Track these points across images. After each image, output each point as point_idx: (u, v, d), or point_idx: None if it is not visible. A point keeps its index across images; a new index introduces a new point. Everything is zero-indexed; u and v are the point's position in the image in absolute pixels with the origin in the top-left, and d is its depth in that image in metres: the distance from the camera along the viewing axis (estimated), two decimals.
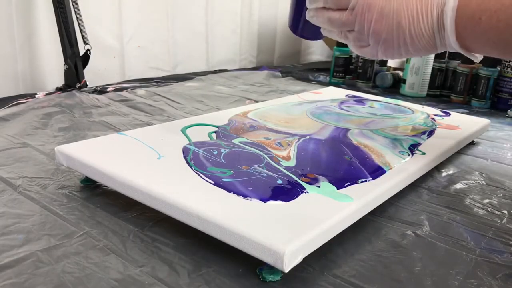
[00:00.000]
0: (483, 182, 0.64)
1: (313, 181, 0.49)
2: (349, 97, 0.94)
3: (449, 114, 0.86)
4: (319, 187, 0.48)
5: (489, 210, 0.56)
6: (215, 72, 1.34)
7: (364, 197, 0.47)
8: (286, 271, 0.37)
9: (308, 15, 0.52)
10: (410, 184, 0.58)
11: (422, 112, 0.85)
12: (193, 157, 0.53)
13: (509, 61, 1.06)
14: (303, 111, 0.79)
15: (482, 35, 0.43)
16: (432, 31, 0.45)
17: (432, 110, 0.88)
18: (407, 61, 1.19)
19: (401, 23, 0.46)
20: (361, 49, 0.50)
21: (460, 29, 0.44)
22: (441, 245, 0.47)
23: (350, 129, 0.70)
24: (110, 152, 0.54)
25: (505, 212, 0.55)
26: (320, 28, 0.52)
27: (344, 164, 0.55)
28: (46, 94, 0.94)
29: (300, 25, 0.55)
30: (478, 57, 0.48)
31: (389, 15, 0.46)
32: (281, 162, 0.54)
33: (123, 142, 0.57)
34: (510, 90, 1.08)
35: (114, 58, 1.15)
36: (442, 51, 0.48)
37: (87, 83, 1.00)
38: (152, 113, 0.88)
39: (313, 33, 0.54)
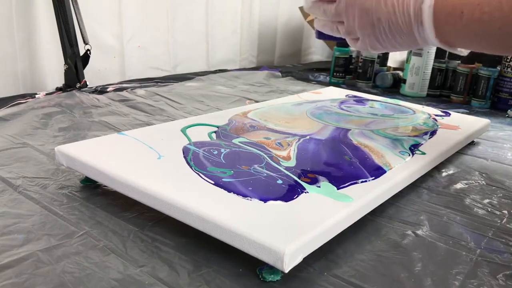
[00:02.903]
0: (483, 182, 0.64)
1: (313, 181, 0.49)
2: (349, 97, 0.94)
3: (449, 114, 0.86)
4: (319, 187, 0.48)
5: (489, 210, 0.56)
6: (215, 72, 1.34)
7: (364, 197, 0.47)
8: (286, 271, 0.37)
9: (306, 7, 0.54)
10: (410, 184, 0.58)
11: (423, 112, 0.85)
12: (193, 157, 0.53)
13: (509, 61, 1.06)
14: (303, 111, 0.79)
15: (464, 29, 0.43)
16: (410, 27, 0.45)
17: (432, 110, 0.87)
18: (407, 61, 1.19)
19: (380, 19, 0.46)
20: (354, 42, 0.51)
21: (440, 25, 0.44)
22: (441, 245, 0.47)
23: (350, 129, 0.70)
24: (110, 152, 0.54)
25: (505, 212, 0.55)
26: None
27: (344, 164, 0.55)
28: (46, 94, 0.94)
29: None
30: (464, 51, 0.48)
31: (370, 10, 0.46)
32: (281, 162, 0.54)
33: (123, 142, 0.57)
34: (510, 90, 1.08)
35: (114, 58, 1.15)
36: (429, 47, 0.48)
37: (87, 83, 1.00)
38: (152, 113, 0.88)
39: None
